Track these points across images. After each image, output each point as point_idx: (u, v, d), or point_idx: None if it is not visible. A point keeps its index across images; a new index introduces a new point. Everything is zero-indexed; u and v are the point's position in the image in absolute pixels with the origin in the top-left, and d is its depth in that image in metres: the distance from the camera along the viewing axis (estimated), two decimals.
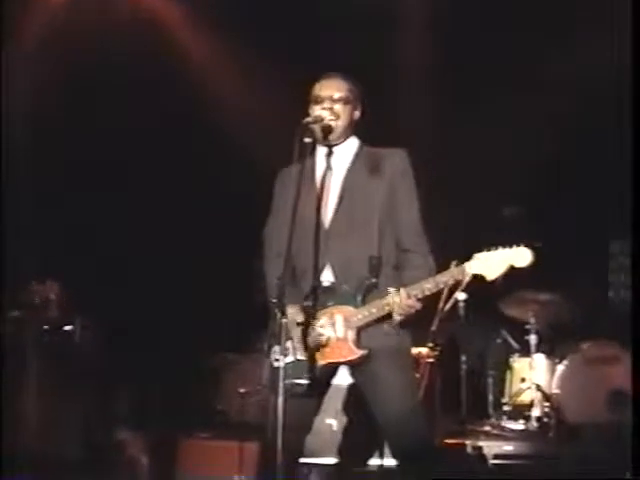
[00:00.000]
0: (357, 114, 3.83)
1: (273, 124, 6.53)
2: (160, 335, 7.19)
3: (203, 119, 7.67)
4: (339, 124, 3.73)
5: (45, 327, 6.04)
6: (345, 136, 3.79)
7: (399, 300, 3.51)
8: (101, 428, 6.09)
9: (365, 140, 3.86)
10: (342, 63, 3.95)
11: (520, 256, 3.50)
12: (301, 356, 3.51)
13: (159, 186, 7.58)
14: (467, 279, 3.68)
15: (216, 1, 7.64)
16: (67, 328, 6.15)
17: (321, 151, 3.79)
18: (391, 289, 3.54)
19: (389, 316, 3.58)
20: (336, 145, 3.77)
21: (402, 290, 3.51)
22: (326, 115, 3.69)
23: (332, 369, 3.67)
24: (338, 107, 3.73)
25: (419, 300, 3.54)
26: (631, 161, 4.60)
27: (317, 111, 3.71)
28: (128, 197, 7.55)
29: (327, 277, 3.65)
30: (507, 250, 3.51)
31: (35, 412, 5.76)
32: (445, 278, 3.54)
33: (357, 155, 3.80)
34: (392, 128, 7.18)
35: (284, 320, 3.33)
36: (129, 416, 6.40)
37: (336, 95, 3.74)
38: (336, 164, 3.76)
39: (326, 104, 3.72)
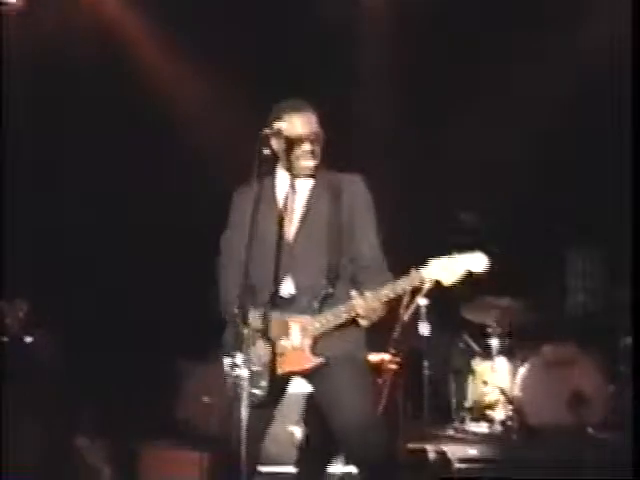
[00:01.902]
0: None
1: (234, 136, 6.54)
2: (122, 343, 7.14)
3: (163, 126, 7.63)
4: (316, 162, 3.75)
5: (5, 339, 5.98)
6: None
7: (363, 303, 3.51)
8: (61, 437, 6.03)
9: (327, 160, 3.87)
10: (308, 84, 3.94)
11: (476, 261, 3.52)
12: (256, 366, 3.49)
13: (119, 196, 7.53)
14: (427, 286, 3.69)
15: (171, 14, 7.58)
16: (27, 340, 6.10)
17: (282, 172, 3.80)
18: (353, 292, 3.54)
19: (345, 324, 3.60)
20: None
21: (367, 293, 3.51)
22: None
23: (287, 378, 3.68)
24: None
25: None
26: (628, 170, 4.54)
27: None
28: (91, 207, 7.51)
29: (287, 289, 3.66)
30: (463, 255, 3.53)
31: None
32: (402, 284, 3.54)
33: (318, 178, 3.81)
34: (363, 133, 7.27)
35: (245, 330, 3.34)
36: (90, 425, 6.34)
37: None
38: (299, 185, 3.78)
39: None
